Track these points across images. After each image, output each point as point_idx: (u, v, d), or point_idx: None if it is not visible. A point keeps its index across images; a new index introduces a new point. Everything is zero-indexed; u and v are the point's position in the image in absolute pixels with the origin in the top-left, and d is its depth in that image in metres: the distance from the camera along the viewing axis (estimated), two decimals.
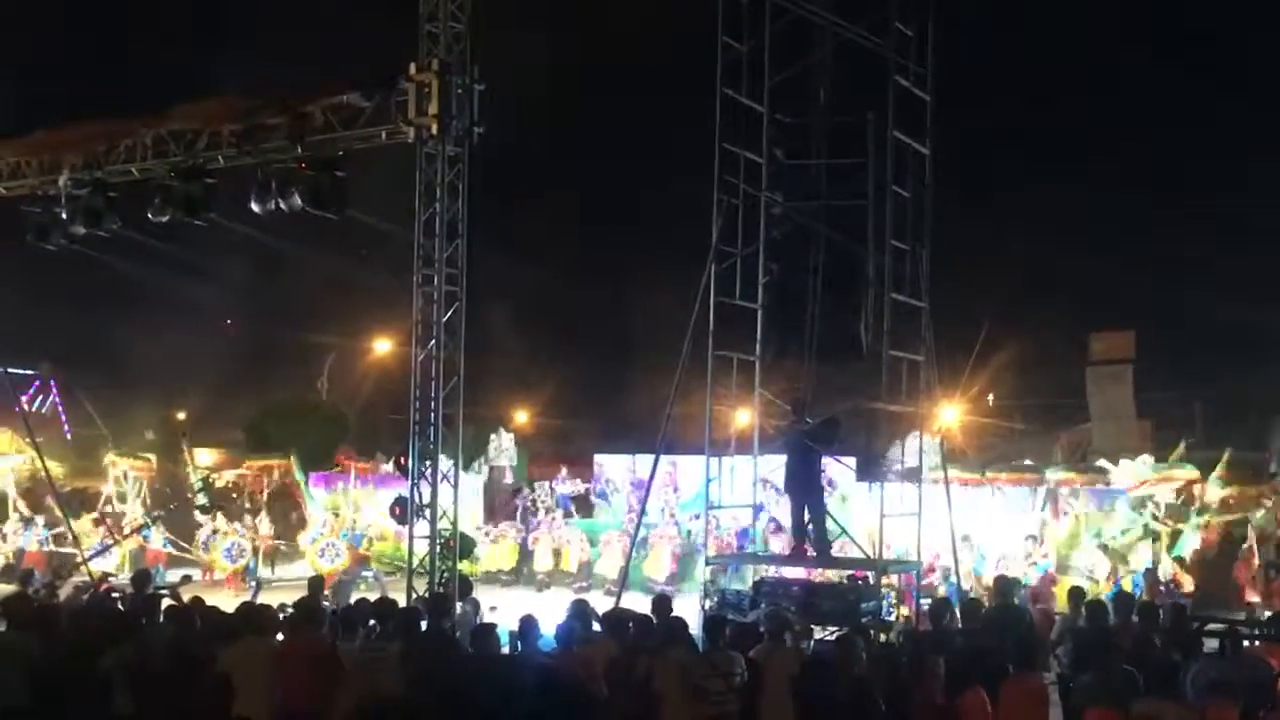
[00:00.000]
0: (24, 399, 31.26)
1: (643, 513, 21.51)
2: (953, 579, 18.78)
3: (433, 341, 15.31)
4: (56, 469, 27.34)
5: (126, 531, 27.01)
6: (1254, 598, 21.64)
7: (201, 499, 27.61)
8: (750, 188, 16.66)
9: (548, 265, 38.54)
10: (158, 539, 26.74)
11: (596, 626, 11.73)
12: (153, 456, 30.33)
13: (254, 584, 24.44)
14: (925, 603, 16.49)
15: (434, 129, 14.97)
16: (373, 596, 14.81)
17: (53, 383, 38.17)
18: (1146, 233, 38.11)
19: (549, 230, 38.47)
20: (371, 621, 11.60)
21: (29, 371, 34.95)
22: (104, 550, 25.30)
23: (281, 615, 11.94)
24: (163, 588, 16.47)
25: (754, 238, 16.80)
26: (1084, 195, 37.74)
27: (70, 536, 25.15)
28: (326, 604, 13.97)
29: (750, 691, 10.10)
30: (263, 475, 29.54)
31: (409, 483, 15.36)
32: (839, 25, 16.07)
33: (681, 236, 22.17)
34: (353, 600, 16.35)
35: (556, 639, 11.04)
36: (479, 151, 15.35)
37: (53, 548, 26.53)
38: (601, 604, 14.47)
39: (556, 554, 27.06)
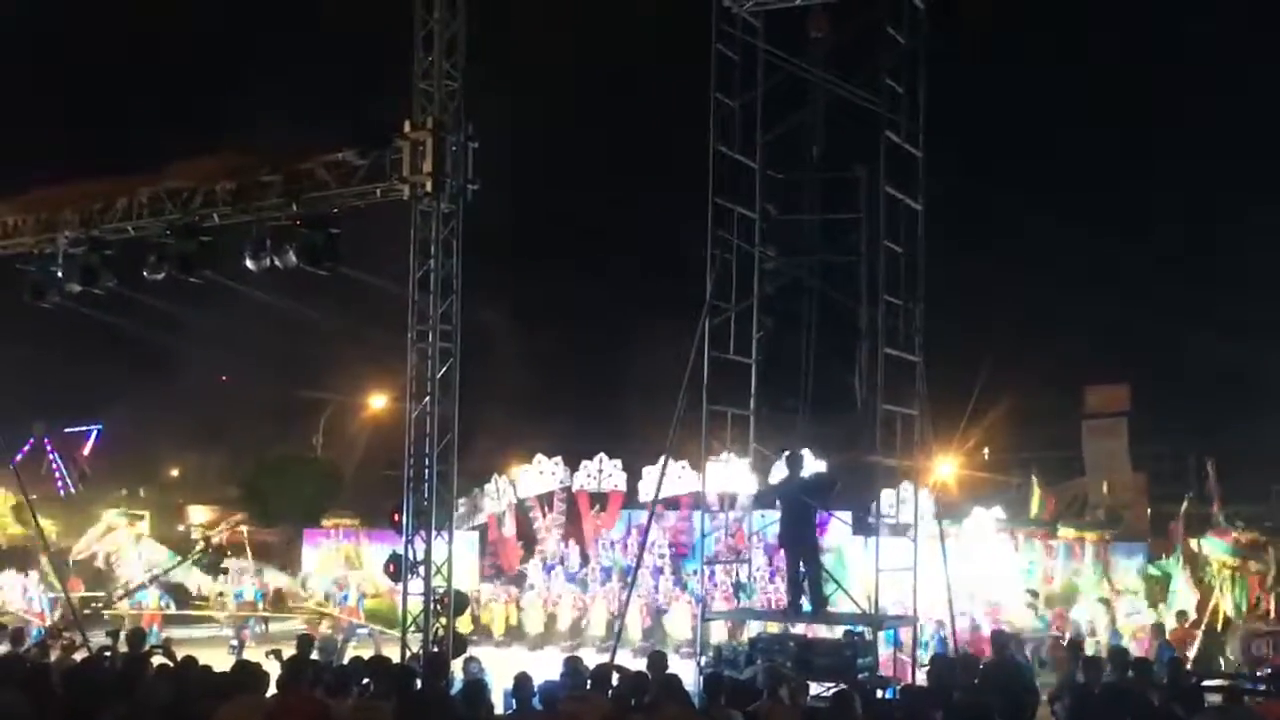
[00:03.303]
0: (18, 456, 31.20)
1: (638, 568, 21.39)
2: (943, 633, 18.70)
3: (427, 398, 15.30)
4: (50, 527, 27.20)
5: (122, 593, 26.85)
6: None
7: (198, 557, 27.52)
8: (744, 243, 16.74)
9: (541, 319, 38.60)
10: (154, 599, 26.53)
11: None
12: (146, 514, 30.20)
13: (235, 642, 24.24)
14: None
15: (429, 186, 15.01)
16: (368, 654, 14.69)
17: (47, 441, 38.07)
18: (1143, 283, 38.12)
19: (543, 283, 38.54)
20: (365, 680, 11.53)
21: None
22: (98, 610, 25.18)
23: (268, 654, 11.81)
24: (156, 646, 16.35)
25: (748, 293, 16.86)
26: (1081, 243, 37.83)
27: (64, 595, 24.97)
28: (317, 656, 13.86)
29: None
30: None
31: (403, 539, 15.28)
32: (831, 82, 16.22)
33: (676, 291, 22.22)
34: (347, 659, 16.22)
35: (548, 697, 10.96)
36: (473, 207, 15.42)
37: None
38: (593, 662, 14.35)
39: (551, 615, 26.85)
